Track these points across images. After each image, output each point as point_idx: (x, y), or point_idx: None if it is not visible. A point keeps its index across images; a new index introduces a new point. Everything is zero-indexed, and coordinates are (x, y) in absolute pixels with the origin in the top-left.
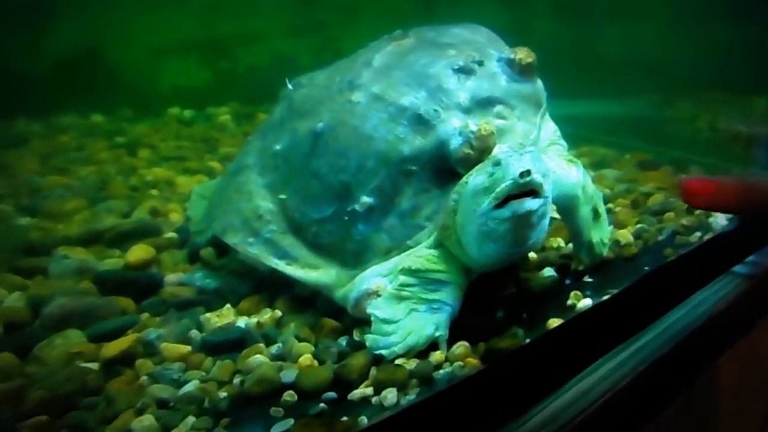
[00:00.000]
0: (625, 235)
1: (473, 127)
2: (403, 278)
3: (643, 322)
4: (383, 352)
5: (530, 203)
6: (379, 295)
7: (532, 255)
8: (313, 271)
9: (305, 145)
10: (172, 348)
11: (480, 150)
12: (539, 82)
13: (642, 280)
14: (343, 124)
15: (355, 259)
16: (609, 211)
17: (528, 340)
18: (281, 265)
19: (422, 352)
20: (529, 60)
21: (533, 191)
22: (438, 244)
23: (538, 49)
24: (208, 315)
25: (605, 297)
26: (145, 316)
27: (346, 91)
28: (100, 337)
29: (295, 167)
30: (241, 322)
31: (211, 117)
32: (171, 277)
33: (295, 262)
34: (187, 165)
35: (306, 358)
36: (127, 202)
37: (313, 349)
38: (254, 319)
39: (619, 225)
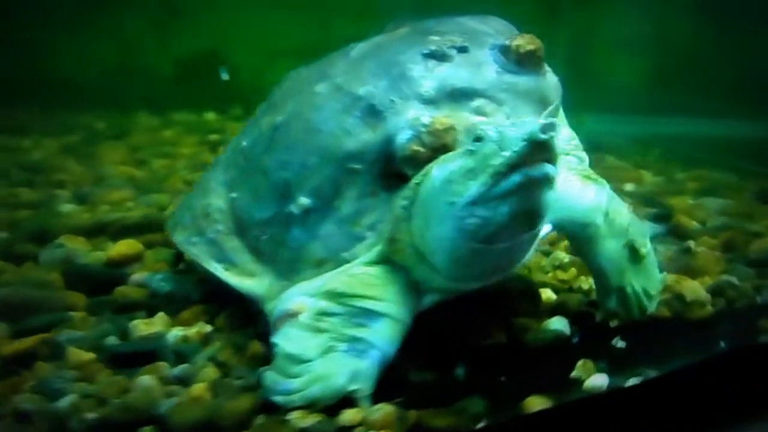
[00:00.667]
0: (697, 289)
1: (426, 120)
2: (323, 303)
3: None
4: (278, 398)
5: (545, 168)
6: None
7: (547, 295)
8: (248, 279)
9: (265, 140)
10: (75, 354)
11: (432, 148)
12: (550, 76)
13: (708, 361)
14: (298, 116)
15: (289, 269)
16: (688, 251)
17: (481, 425)
18: (218, 269)
19: (333, 405)
20: (530, 47)
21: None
22: (380, 261)
23: (673, 56)
24: (137, 321)
25: (633, 379)
26: (80, 315)
27: (314, 82)
28: (23, 332)
29: (252, 164)
30: (172, 333)
31: None
32: (135, 277)
33: (233, 267)
34: None
35: (200, 388)
36: (170, 197)
37: (217, 376)
38: (183, 332)
39: (693, 272)
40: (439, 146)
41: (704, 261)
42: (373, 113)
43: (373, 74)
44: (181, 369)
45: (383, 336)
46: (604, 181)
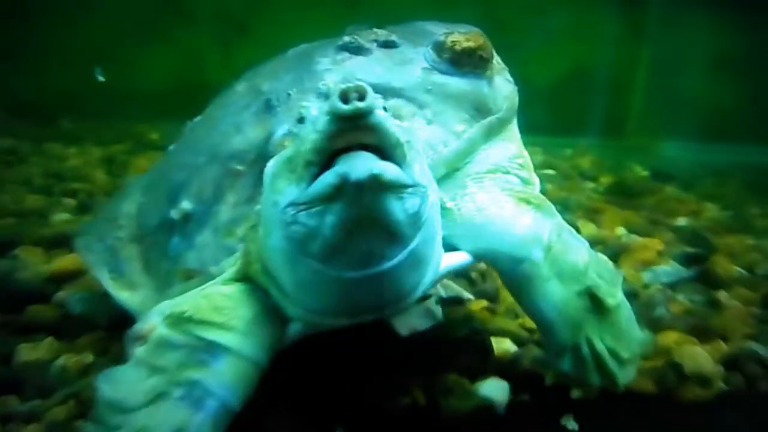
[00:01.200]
0: (701, 358)
1: (312, 113)
2: (165, 332)
3: None
4: None
5: (371, 167)
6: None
7: (503, 347)
8: (126, 291)
9: (181, 140)
10: None
11: None
12: (499, 82)
13: None
14: (208, 115)
15: (165, 282)
16: (713, 304)
17: None
18: (105, 278)
19: None
20: (468, 44)
21: (379, 150)
22: (239, 279)
23: None
24: (22, 346)
25: None
26: None
27: (242, 80)
28: None
29: (164, 166)
30: (57, 361)
31: None
32: (60, 294)
33: (120, 277)
34: None
35: (33, 429)
36: None
37: (64, 417)
38: (65, 361)
39: (709, 333)
40: None
41: (730, 319)
42: (267, 109)
43: (286, 69)
44: (31, 405)
45: (225, 379)
46: (552, 208)
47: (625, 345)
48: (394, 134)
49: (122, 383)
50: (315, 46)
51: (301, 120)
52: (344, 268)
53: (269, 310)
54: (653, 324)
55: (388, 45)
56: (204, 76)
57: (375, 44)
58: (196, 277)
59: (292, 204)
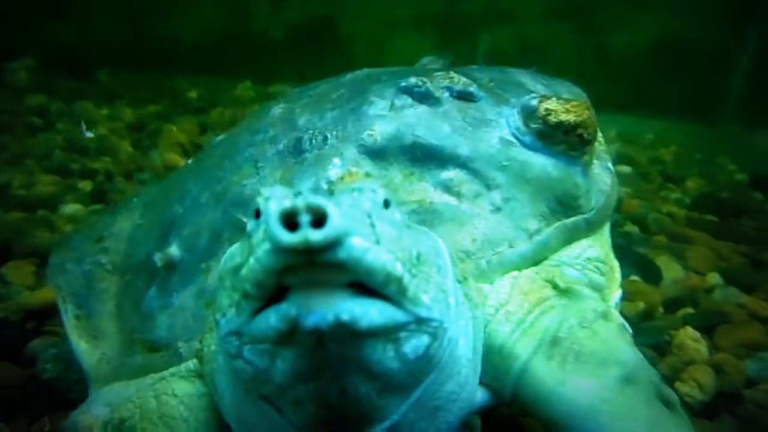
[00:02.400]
0: None
1: (334, 173)
2: None
3: None
4: None
5: (340, 311)
6: None
7: None
8: (86, 342)
9: (197, 158)
10: None
11: None
12: (599, 171)
13: None
14: (230, 139)
15: (128, 343)
16: None
17: None
18: (68, 313)
19: None
20: (566, 118)
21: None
22: (199, 374)
23: None
24: None
25: None
26: None
27: (283, 101)
28: None
29: (172, 184)
30: None
31: None
32: (35, 343)
33: (87, 318)
34: None
35: None
36: None
37: None
38: None
39: None
40: None
41: None
42: (296, 150)
43: (334, 102)
44: None
45: None
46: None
47: None
48: (382, 269)
49: None
50: (376, 79)
51: (257, 213)
52: (305, 427)
53: (221, 422)
54: None
55: (464, 96)
56: (251, 28)
57: (448, 93)
58: (161, 351)
59: (234, 332)
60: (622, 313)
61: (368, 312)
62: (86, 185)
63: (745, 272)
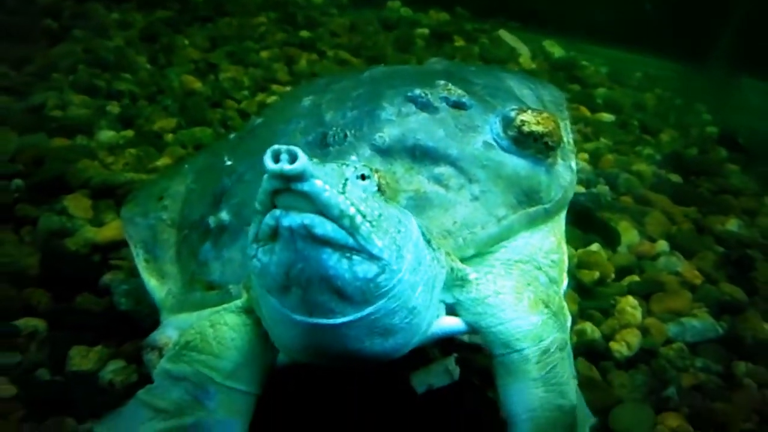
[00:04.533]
0: None
1: (349, 173)
2: (167, 366)
3: None
4: None
5: (303, 217)
6: (161, 356)
7: None
8: (155, 279)
9: (241, 138)
10: (1, 387)
11: None
12: (560, 170)
13: None
14: (269, 124)
15: (189, 283)
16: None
17: None
18: (139, 257)
19: None
20: (537, 129)
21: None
22: (247, 310)
23: None
24: (74, 352)
25: None
26: (33, 325)
27: (311, 93)
28: None
29: (219, 157)
30: (104, 372)
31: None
32: (107, 277)
33: (154, 260)
34: None
35: None
36: (212, 133)
37: None
38: (112, 376)
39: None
40: None
41: (735, 406)
42: (321, 143)
43: (354, 101)
44: (86, 427)
45: (220, 416)
46: (565, 323)
47: None
48: (336, 205)
49: (122, 429)
50: (390, 83)
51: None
52: (293, 311)
53: (264, 338)
54: (659, 403)
55: (457, 105)
56: None
57: (444, 103)
58: (216, 289)
59: (252, 241)
60: (579, 281)
61: (324, 224)
62: (114, 108)
63: (689, 237)
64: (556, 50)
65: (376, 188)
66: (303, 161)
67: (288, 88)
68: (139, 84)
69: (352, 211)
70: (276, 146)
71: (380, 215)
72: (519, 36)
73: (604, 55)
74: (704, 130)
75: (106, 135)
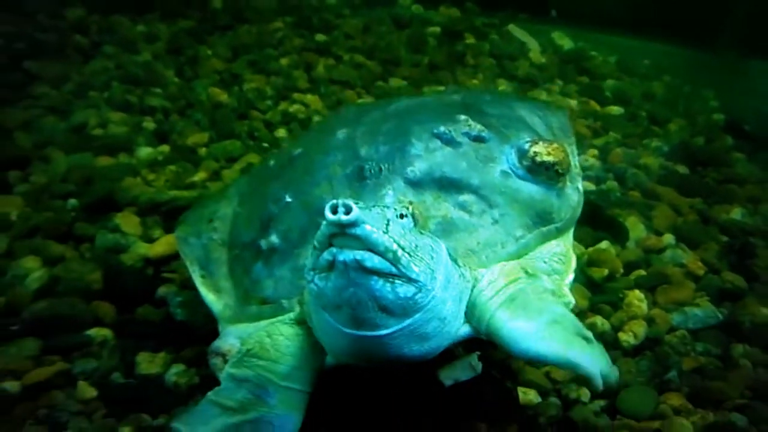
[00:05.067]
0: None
1: (388, 200)
2: (232, 371)
3: None
4: None
5: (355, 254)
6: (225, 361)
7: (528, 398)
8: (213, 294)
9: (281, 166)
10: (83, 389)
11: None
12: (569, 193)
13: None
14: (308, 155)
15: (244, 297)
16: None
17: None
18: (196, 273)
19: None
20: (548, 159)
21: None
22: (299, 320)
23: None
24: (141, 358)
25: None
26: (102, 334)
27: (344, 125)
28: (53, 350)
29: (261, 186)
30: (168, 374)
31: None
32: (162, 290)
33: (209, 276)
34: (343, 96)
35: None
36: (241, 145)
37: None
38: (176, 378)
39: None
40: None
41: (731, 383)
42: (359, 176)
43: (385, 136)
44: (159, 422)
45: (280, 411)
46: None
47: None
48: (382, 243)
49: (197, 423)
50: (416, 119)
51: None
52: (344, 325)
53: (314, 345)
54: (662, 385)
55: (477, 139)
56: None
57: (466, 137)
58: (270, 304)
59: (310, 269)
60: (589, 278)
61: (372, 259)
62: (149, 124)
63: (694, 229)
64: (565, 42)
65: (412, 223)
66: (356, 212)
67: (308, 96)
68: (170, 98)
69: (394, 247)
70: (334, 201)
71: (416, 246)
72: (528, 28)
73: (612, 44)
74: (711, 118)
75: (145, 152)
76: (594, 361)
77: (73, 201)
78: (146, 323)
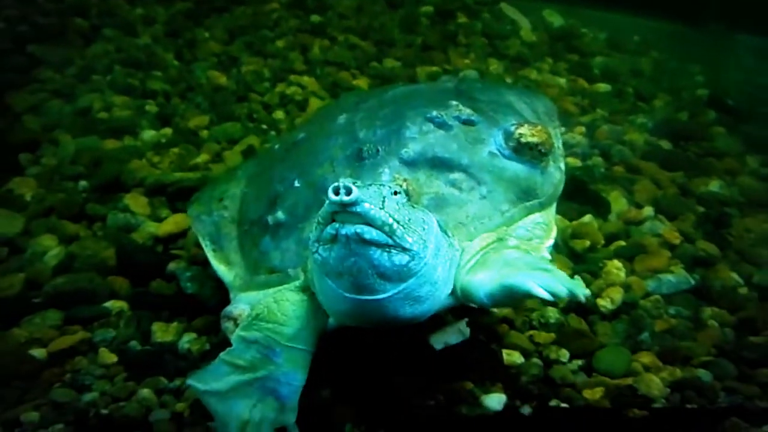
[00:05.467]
0: (658, 385)
1: (385, 177)
2: (242, 333)
3: None
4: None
5: (355, 227)
6: (236, 325)
7: (512, 359)
8: (224, 265)
9: (285, 150)
10: (104, 355)
11: None
12: (551, 171)
13: None
14: (311, 139)
15: (253, 268)
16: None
17: None
18: (208, 248)
19: None
20: (531, 140)
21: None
22: (303, 287)
23: None
24: (156, 327)
25: None
26: (118, 306)
27: (344, 111)
28: (74, 320)
29: (268, 168)
30: (182, 341)
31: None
32: (172, 265)
33: (220, 250)
34: (338, 77)
35: (182, 406)
36: (241, 127)
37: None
38: (189, 345)
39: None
40: None
41: (699, 342)
42: (358, 156)
43: (382, 120)
44: (176, 384)
45: (286, 369)
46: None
47: None
48: (379, 218)
49: (210, 381)
50: (411, 104)
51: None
52: (346, 290)
53: (317, 309)
54: (635, 345)
55: (467, 123)
56: None
57: (457, 121)
58: (276, 272)
59: (314, 241)
60: (572, 249)
61: (371, 232)
62: (151, 107)
63: (673, 201)
64: (555, 19)
65: (406, 198)
66: (356, 193)
67: (305, 78)
68: (170, 81)
69: (390, 221)
70: (336, 183)
71: (409, 219)
72: (520, 5)
73: (603, 20)
74: (695, 93)
75: (149, 134)
76: (552, 282)
77: (83, 182)
78: (159, 296)
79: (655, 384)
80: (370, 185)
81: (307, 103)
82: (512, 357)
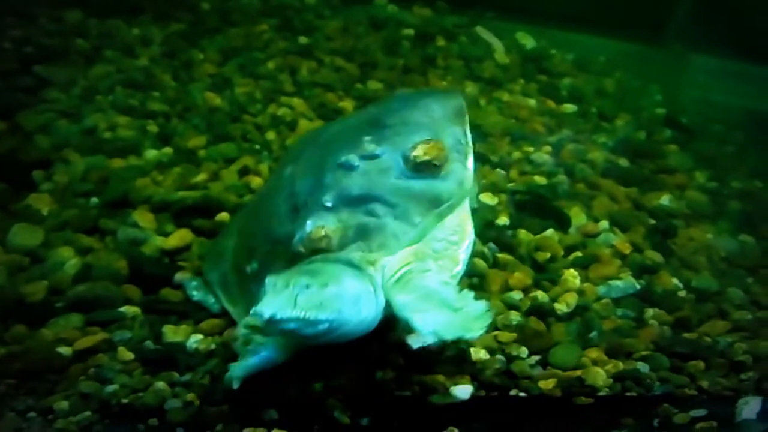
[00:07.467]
0: (602, 376)
1: (308, 228)
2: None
3: None
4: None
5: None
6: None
7: (478, 356)
8: (232, 307)
9: (256, 203)
10: (123, 352)
11: (310, 251)
12: (451, 177)
13: None
14: (269, 194)
15: (246, 311)
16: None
17: None
18: (220, 295)
19: None
20: (426, 158)
21: None
22: None
23: None
24: (167, 328)
25: None
26: (133, 311)
27: (290, 162)
28: (94, 323)
29: (247, 220)
30: (190, 341)
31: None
32: (178, 276)
33: (229, 295)
34: (325, 99)
35: (192, 396)
36: (236, 148)
37: (207, 386)
38: (197, 345)
39: (616, 352)
40: (313, 250)
41: (641, 339)
42: (295, 209)
43: (311, 170)
44: (186, 378)
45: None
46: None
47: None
48: (294, 319)
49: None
50: (333, 146)
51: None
52: (289, 340)
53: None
54: (585, 343)
55: (372, 158)
56: None
57: (364, 160)
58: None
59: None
60: (534, 260)
61: (290, 324)
62: (152, 127)
63: (627, 215)
64: (527, 41)
65: (317, 287)
66: (267, 315)
67: (294, 100)
68: (168, 102)
69: (303, 314)
70: (254, 309)
71: (320, 302)
72: (495, 27)
73: (571, 42)
74: (654, 112)
75: (152, 154)
76: (445, 327)
77: (94, 199)
78: (168, 302)
79: (599, 375)
80: (286, 287)
81: (296, 124)
82: (479, 354)
